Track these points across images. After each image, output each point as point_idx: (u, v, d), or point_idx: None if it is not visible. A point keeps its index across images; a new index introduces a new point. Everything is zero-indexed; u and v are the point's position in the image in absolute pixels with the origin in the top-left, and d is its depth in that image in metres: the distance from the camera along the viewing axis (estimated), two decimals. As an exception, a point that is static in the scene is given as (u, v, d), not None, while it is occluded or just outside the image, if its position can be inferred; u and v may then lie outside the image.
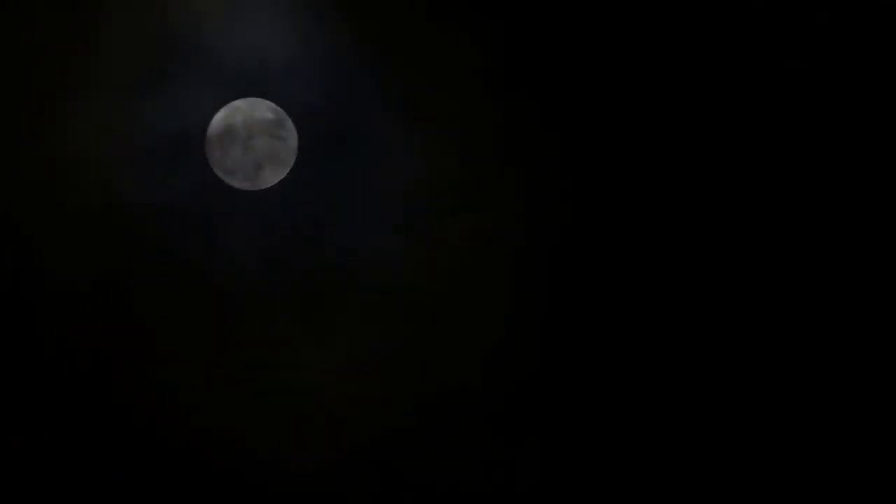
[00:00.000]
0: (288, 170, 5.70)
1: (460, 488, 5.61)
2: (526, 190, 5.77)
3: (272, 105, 5.67)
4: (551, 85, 5.74)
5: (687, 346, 5.67)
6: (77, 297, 5.49)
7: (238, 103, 5.64)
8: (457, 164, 5.75)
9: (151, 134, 5.57)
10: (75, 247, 5.54)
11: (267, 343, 5.68)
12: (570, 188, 5.75)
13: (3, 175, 5.48)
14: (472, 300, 5.76)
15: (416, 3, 5.67)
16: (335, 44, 5.66)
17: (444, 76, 5.72)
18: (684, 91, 5.71)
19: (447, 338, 5.77)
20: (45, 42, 5.49)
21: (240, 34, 5.61)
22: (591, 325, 5.70)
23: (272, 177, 5.69)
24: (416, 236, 5.75)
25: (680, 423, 5.66)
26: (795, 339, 5.64)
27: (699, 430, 5.65)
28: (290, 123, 5.67)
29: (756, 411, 5.62)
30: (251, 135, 5.63)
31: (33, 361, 5.46)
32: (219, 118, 5.62)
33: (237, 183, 5.66)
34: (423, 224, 5.75)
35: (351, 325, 5.78)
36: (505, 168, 5.75)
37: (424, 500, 5.59)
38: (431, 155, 5.72)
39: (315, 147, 5.72)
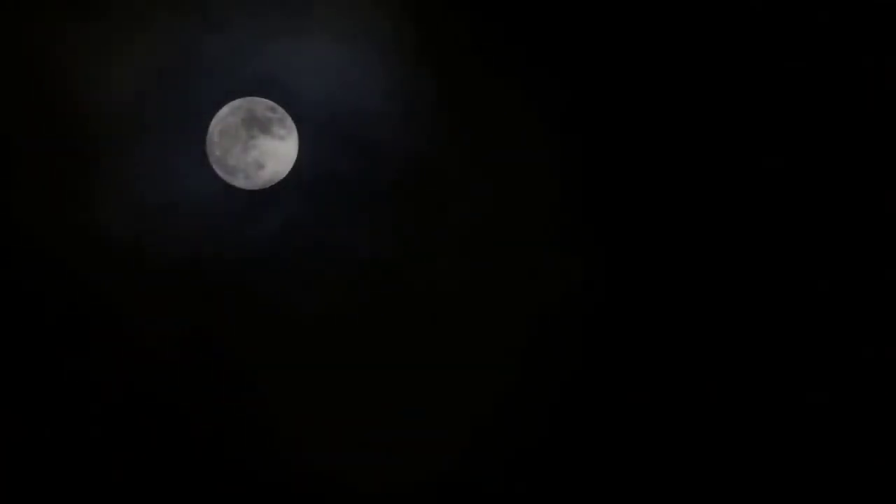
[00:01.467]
0: (289, 169, 5.68)
1: None
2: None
3: (272, 104, 5.65)
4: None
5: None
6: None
7: (238, 102, 5.62)
8: (459, 163, 5.76)
9: (152, 134, 5.55)
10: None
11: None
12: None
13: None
14: (480, 295, 5.77)
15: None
16: (336, 42, 5.65)
17: (446, 80, 5.72)
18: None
19: (455, 338, 5.77)
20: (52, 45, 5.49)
21: (240, 32, 5.59)
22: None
23: (273, 176, 5.67)
24: (415, 236, 5.74)
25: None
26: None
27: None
28: (290, 122, 5.65)
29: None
30: (252, 134, 5.61)
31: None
32: (219, 117, 5.60)
33: (238, 182, 5.64)
34: (423, 223, 5.74)
35: (353, 326, 5.77)
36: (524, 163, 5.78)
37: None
38: (433, 155, 5.72)
39: (316, 145, 5.70)
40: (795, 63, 5.73)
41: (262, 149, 5.63)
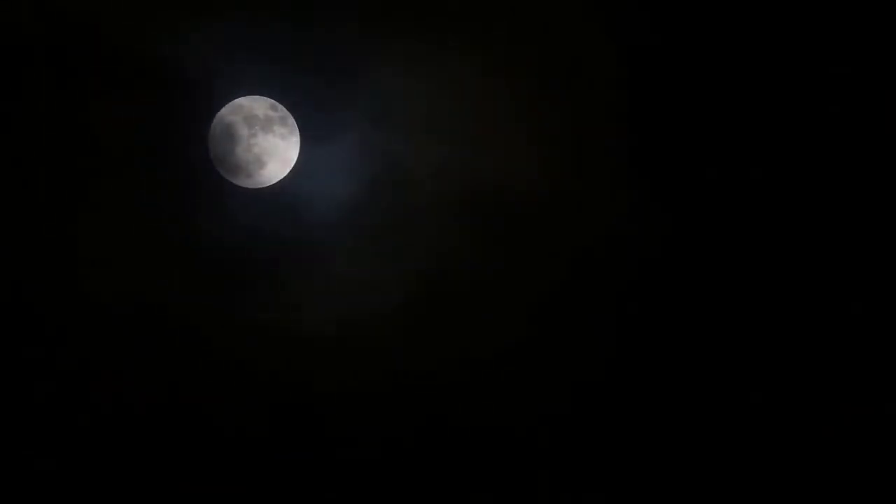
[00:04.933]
0: (290, 167, 5.68)
1: None
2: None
3: (274, 102, 5.65)
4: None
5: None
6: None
7: (240, 101, 5.63)
8: (453, 162, 5.72)
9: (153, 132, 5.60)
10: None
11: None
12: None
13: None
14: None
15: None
16: (336, 41, 5.63)
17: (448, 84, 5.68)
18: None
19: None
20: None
21: (241, 32, 5.59)
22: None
23: (274, 174, 5.68)
24: (416, 235, 5.73)
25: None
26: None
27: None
28: (291, 120, 5.65)
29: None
30: (253, 132, 5.62)
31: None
32: (221, 116, 5.62)
33: (239, 181, 5.67)
34: (423, 222, 5.72)
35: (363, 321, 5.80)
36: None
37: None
38: (430, 154, 5.68)
39: (317, 144, 5.69)
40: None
41: (264, 147, 5.64)
